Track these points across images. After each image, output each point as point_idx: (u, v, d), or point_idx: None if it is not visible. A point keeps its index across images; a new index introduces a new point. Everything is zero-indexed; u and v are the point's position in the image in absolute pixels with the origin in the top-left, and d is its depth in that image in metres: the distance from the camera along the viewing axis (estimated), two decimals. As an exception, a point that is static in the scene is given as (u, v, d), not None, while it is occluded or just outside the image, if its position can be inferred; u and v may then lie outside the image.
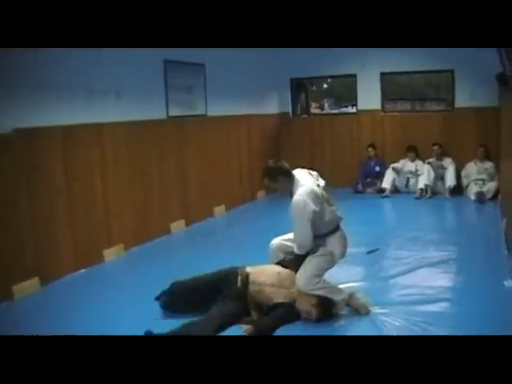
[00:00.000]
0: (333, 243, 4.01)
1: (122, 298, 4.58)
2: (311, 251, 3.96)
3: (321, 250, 3.97)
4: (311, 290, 3.89)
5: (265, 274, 4.05)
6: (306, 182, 3.91)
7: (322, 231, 3.98)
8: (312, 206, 3.78)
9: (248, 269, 4.11)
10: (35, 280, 4.80)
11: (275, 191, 4.13)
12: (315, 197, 3.85)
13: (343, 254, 4.10)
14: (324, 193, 3.98)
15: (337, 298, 3.98)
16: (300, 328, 3.80)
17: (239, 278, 4.03)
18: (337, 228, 4.07)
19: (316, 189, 3.91)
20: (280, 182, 3.95)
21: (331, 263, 4.04)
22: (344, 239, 4.10)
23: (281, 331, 3.72)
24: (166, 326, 3.77)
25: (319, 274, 3.94)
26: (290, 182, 3.92)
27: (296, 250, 3.99)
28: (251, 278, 4.01)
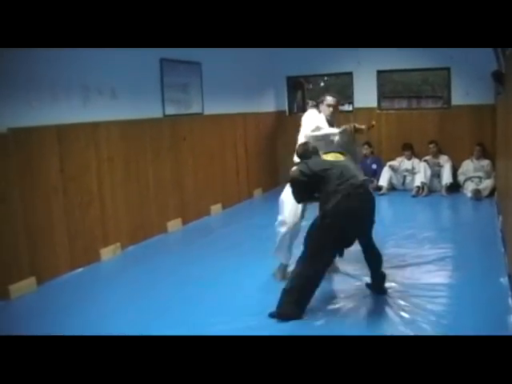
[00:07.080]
0: None
1: (118, 297, 4.57)
2: None
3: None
4: None
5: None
6: None
7: None
8: None
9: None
10: (32, 279, 4.79)
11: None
12: None
13: None
14: None
15: None
16: (299, 327, 3.75)
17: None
18: None
19: None
20: None
21: None
22: None
23: (281, 331, 3.68)
24: (163, 325, 3.78)
25: None
26: None
27: None
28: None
